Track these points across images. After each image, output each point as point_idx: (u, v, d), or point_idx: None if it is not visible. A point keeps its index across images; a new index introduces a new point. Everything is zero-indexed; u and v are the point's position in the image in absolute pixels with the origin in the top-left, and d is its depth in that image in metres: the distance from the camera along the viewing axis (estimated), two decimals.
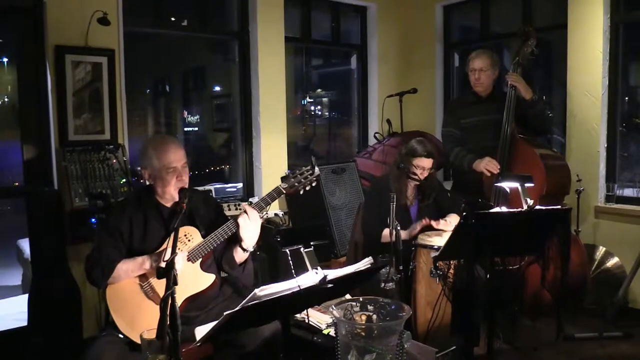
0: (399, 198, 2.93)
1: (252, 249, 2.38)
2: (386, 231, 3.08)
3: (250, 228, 2.31)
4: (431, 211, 3.27)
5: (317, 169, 2.40)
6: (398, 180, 3.21)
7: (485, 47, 4.10)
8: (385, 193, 3.17)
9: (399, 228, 2.71)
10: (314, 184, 2.43)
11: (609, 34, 3.93)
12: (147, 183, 2.41)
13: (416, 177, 3.14)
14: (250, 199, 4.22)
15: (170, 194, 2.35)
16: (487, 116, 3.71)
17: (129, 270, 2.25)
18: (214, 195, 4.04)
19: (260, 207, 2.37)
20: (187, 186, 2.36)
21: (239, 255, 2.37)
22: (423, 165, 3.16)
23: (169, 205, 2.38)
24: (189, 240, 2.32)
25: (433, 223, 3.08)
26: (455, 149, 3.76)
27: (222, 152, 5.07)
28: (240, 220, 2.29)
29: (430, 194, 3.27)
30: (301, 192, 2.42)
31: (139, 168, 2.43)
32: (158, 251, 2.27)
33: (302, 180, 2.40)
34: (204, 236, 2.33)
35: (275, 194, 2.38)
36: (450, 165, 4.31)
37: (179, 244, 2.27)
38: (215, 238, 2.30)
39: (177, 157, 2.33)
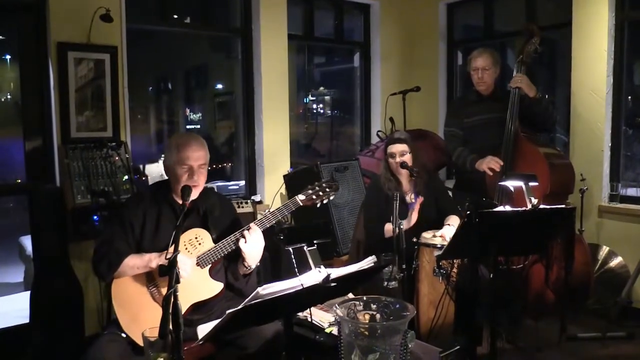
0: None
1: (254, 267, 2.35)
2: (388, 225, 3.08)
3: (249, 250, 2.26)
4: (431, 210, 3.25)
5: (336, 182, 2.39)
6: (389, 178, 3.21)
7: (486, 46, 4.08)
8: (383, 191, 3.17)
9: (402, 227, 2.70)
10: (331, 198, 2.40)
11: (613, 32, 3.90)
12: (165, 177, 2.40)
13: (415, 170, 3.12)
14: (252, 197, 4.21)
15: (178, 192, 2.33)
16: (489, 115, 3.70)
17: (134, 267, 2.22)
18: None
19: (275, 217, 2.34)
20: (200, 187, 2.34)
21: (243, 269, 2.35)
22: (394, 151, 3.19)
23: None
24: (199, 244, 2.28)
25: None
26: (457, 149, 3.75)
27: (224, 150, 5.06)
28: (240, 242, 2.25)
29: (426, 187, 3.25)
30: (318, 206, 2.38)
31: (161, 159, 2.43)
32: (166, 251, 2.24)
33: (321, 193, 2.37)
34: (215, 240, 2.30)
35: (292, 205, 2.35)
36: (453, 165, 4.30)
37: (189, 246, 2.26)
38: (227, 245, 2.27)
39: (194, 155, 2.29)
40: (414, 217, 3.01)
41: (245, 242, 2.25)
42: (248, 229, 2.27)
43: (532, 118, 3.59)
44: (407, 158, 3.18)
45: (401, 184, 3.25)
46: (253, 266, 2.34)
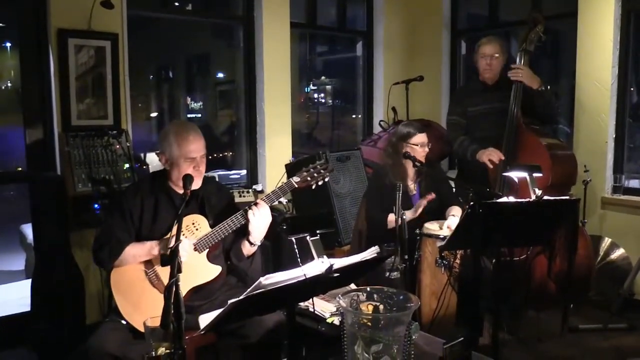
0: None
1: (259, 243, 2.35)
2: (391, 216, 3.06)
3: (257, 224, 2.27)
4: (433, 201, 3.23)
5: (330, 164, 2.37)
6: (397, 168, 3.18)
7: (491, 35, 4.04)
8: (386, 181, 3.15)
9: (405, 217, 2.68)
10: (326, 179, 2.39)
11: (619, 23, 3.86)
12: (163, 168, 2.38)
13: (418, 160, 3.09)
14: (254, 186, 4.19)
15: (178, 181, 2.31)
16: (493, 104, 3.67)
17: (136, 255, 2.23)
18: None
19: (271, 200, 2.33)
20: (202, 176, 2.34)
21: (247, 248, 2.35)
22: (422, 141, 3.15)
23: (181, 192, 2.34)
24: (196, 229, 2.29)
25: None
26: (459, 138, 3.73)
27: (225, 139, 5.04)
28: (249, 213, 2.26)
29: (428, 177, 3.24)
30: (313, 187, 2.36)
31: (157, 151, 2.39)
32: (166, 237, 2.23)
33: (315, 174, 2.35)
34: (212, 226, 2.30)
35: (287, 188, 2.34)
36: (454, 154, 4.28)
37: (186, 232, 2.26)
38: (224, 229, 2.27)
39: (197, 147, 2.29)
40: (419, 211, 3.00)
41: (254, 214, 2.25)
42: (255, 205, 2.27)
43: (535, 110, 3.56)
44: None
45: (406, 174, 3.23)
46: (258, 242, 2.33)
